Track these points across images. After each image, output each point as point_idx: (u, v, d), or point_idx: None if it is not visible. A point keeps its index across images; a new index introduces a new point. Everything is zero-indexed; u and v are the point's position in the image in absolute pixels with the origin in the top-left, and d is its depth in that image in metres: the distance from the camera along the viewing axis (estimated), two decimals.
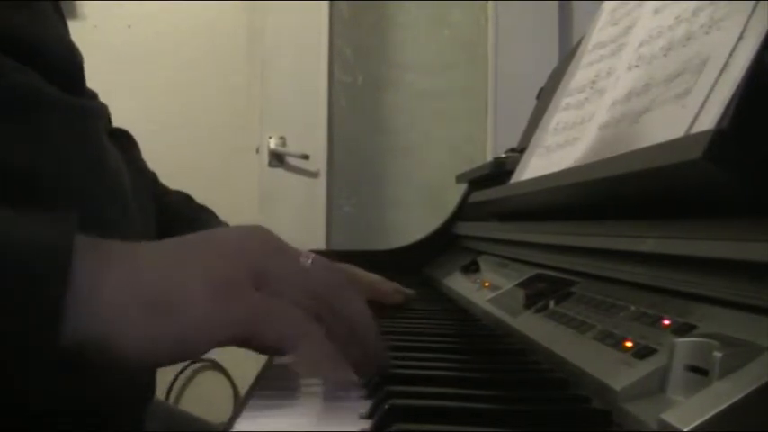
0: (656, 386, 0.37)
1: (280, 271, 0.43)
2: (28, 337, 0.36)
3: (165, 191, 0.91)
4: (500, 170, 1.02)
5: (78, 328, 0.37)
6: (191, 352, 0.41)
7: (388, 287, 0.85)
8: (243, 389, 2.15)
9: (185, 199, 0.93)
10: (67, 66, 0.61)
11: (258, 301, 0.42)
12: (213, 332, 0.41)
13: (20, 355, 0.36)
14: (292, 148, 2.09)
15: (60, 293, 0.37)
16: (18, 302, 0.36)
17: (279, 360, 0.57)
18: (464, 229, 1.18)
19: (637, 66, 0.66)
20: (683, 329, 0.40)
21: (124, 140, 0.82)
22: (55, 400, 0.39)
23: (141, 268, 0.41)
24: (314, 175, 2.11)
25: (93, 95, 0.74)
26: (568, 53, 1.06)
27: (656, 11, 0.68)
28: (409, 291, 0.87)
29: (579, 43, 0.90)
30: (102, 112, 0.65)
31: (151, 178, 0.89)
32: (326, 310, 0.45)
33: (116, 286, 0.39)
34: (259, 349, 0.43)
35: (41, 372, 0.37)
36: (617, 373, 0.40)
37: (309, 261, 0.45)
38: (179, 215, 0.88)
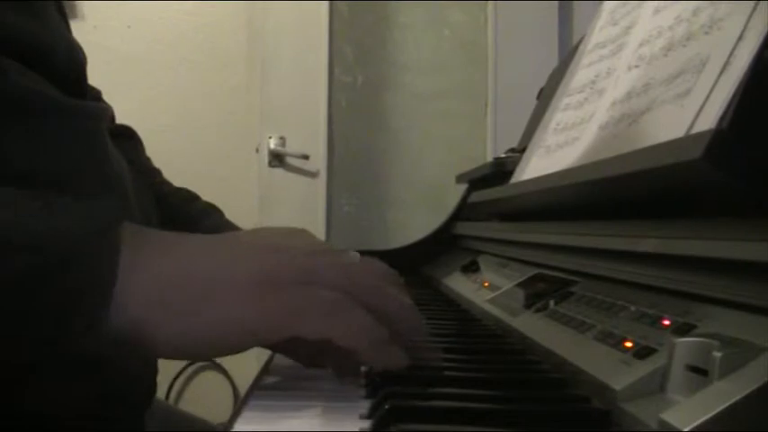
0: (656, 386, 0.37)
1: (325, 268, 0.43)
2: (78, 318, 0.37)
3: (171, 188, 0.91)
4: (500, 170, 1.02)
5: (120, 315, 0.38)
6: (228, 347, 0.42)
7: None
8: (243, 389, 2.15)
9: (191, 197, 0.93)
10: (70, 67, 0.61)
11: (297, 291, 0.41)
12: (253, 324, 0.41)
13: (69, 334, 0.37)
14: (292, 148, 2.09)
15: (108, 283, 0.38)
16: (69, 288, 0.37)
17: (279, 360, 0.57)
18: (464, 228, 1.18)
19: (637, 66, 0.66)
20: (682, 329, 0.40)
21: (127, 137, 0.82)
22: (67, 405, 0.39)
23: (184, 260, 0.41)
24: (314, 175, 2.11)
25: (97, 95, 0.75)
26: (568, 53, 1.06)
27: (656, 11, 0.68)
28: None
29: (579, 43, 0.90)
30: (105, 114, 0.65)
31: (155, 175, 0.89)
32: (373, 304, 0.44)
33: (158, 277, 0.40)
34: (309, 340, 0.42)
35: (89, 350, 0.38)
36: (617, 372, 0.40)
37: (355, 258, 0.45)
38: (185, 213, 0.88)
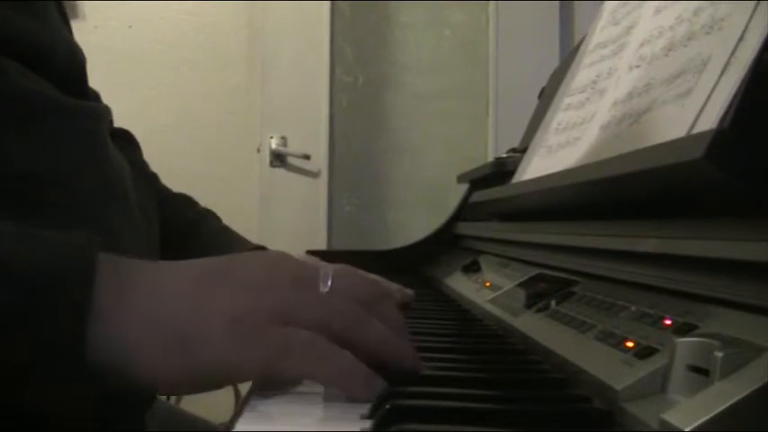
0: (657, 386, 0.37)
1: (301, 306, 0.43)
2: (52, 360, 0.37)
3: (168, 193, 0.91)
4: (501, 170, 1.02)
5: (98, 354, 0.38)
6: (208, 386, 0.42)
7: (393, 286, 0.85)
8: (243, 388, 2.14)
9: (188, 202, 0.93)
10: (70, 68, 0.61)
11: (275, 334, 0.42)
12: (230, 369, 0.41)
13: (44, 371, 0.37)
14: (293, 147, 2.09)
15: (83, 322, 0.37)
16: (39, 326, 0.37)
17: None
18: (465, 229, 1.18)
19: (638, 66, 0.66)
20: (684, 329, 0.40)
21: (125, 141, 0.82)
22: (66, 407, 0.39)
23: (162, 300, 0.41)
24: (315, 174, 2.11)
25: (96, 96, 0.75)
26: (569, 53, 1.06)
27: (657, 11, 0.68)
28: (409, 291, 0.87)
29: (580, 43, 0.90)
30: (105, 114, 0.65)
31: (152, 180, 0.89)
32: (346, 335, 0.44)
33: (136, 319, 0.40)
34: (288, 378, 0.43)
35: (65, 388, 0.38)
36: (618, 372, 0.40)
37: (327, 287, 0.45)
38: (182, 218, 0.88)
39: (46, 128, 0.54)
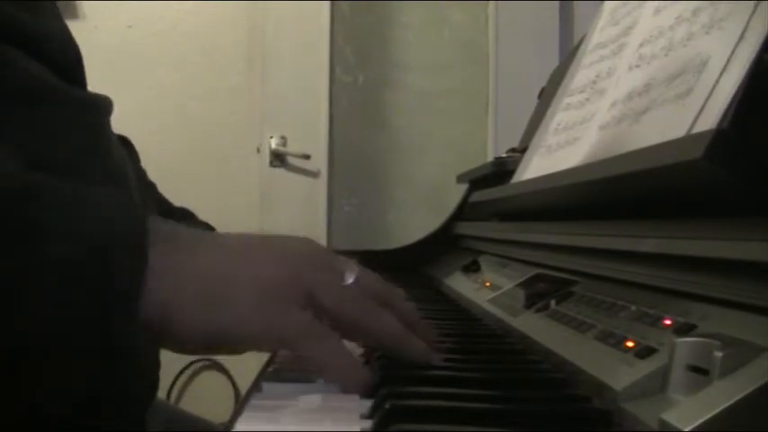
0: (657, 386, 0.37)
1: (324, 286, 0.47)
2: (112, 306, 0.40)
3: (168, 206, 0.91)
4: (501, 170, 1.02)
5: (146, 304, 0.41)
6: (231, 345, 0.46)
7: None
8: (243, 388, 2.15)
9: (187, 215, 0.93)
10: (67, 57, 0.61)
11: (299, 322, 0.45)
12: (252, 335, 0.45)
13: (102, 320, 0.40)
14: (293, 147, 2.09)
15: (140, 274, 0.40)
16: (103, 282, 0.40)
17: (280, 360, 0.57)
18: (465, 228, 1.18)
19: (637, 66, 0.66)
20: (683, 329, 0.40)
21: (123, 148, 0.82)
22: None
23: (204, 260, 0.44)
24: (315, 174, 2.11)
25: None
26: (569, 53, 1.06)
27: (657, 11, 0.68)
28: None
29: (580, 43, 0.90)
30: (107, 105, 0.65)
31: (150, 189, 0.89)
32: (365, 326, 0.48)
33: (180, 273, 0.43)
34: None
35: (120, 336, 0.40)
36: (617, 372, 0.40)
37: (352, 279, 0.48)
38: None
39: (49, 116, 0.54)
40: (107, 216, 0.42)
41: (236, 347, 0.46)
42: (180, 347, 0.46)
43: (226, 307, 0.44)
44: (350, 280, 0.48)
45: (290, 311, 0.45)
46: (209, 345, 0.45)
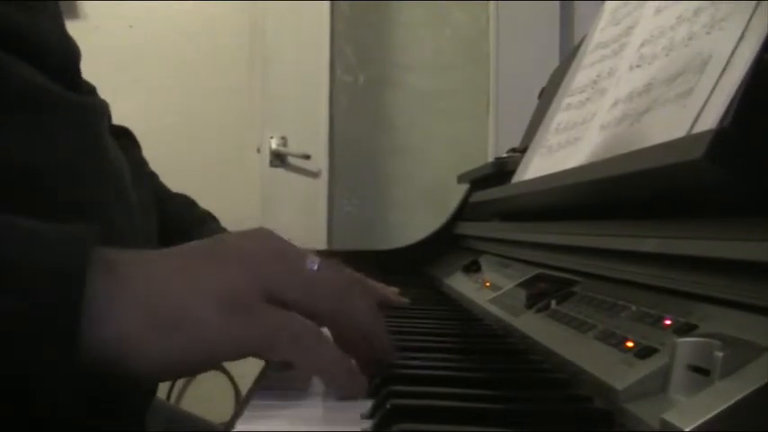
0: (658, 386, 0.37)
1: (283, 280, 0.44)
2: (46, 360, 0.37)
3: (168, 194, 0.91)
4: (501, 170, 1.02)
5: (93, 348, 0.38)
6: (202, 367, 0.42)
7: (389, 291, 0.85)
8: (244, 389, 2.14)
9: (188, 203, 0.93)
10: (66, 62, 0.61)
11: (266, 317, 0.42)
12: (223, 349, 0.42)
13: (39, 375, 0.37)
14: (293, 147, 2.09)
15: (75, 319, 0.37)
16: (35, 329, 0.37)
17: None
18: (465, 228, 1.18)
19: (638, 66, 0.66)
20: (684, 329, 0.40)
21: (125, 139, 0.82)
22: (65, 410, 0.39)
23: (151, 285, 0.41)
24: (315, 174, 2.11)
25: (92, 90, 0.74)
26: (570, 53, 1.06)
27: (658, 11, 0.68)
28: (394, 289, 0.87)
29: (581, 43, 0.90)
30: (103, 109, 0.65)
31: (151, 178, 0.89)
32: (334, 316, 0.46)
33: (128, 306, 0.40)
34: (270, 361, 0.44)
35: (61, 388, 0.38)
36: (618, 372, 0.40)
37: (315, 266, 0.45)
38: (181, 220, 0.88)
39: (45, 122, 0.54)
40: (38, 260, 0.38)
41: (212, 363, 0.43)
42: (149, 382, 0.44)
43: (182, 330, 0.40)
44: (311, 267, 0.45)
45: (254, 316, 0.42)
46: (177, 373, 0.43)
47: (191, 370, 0.43)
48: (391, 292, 0.85)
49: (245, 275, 0.43)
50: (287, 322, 0.43)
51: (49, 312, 0.37)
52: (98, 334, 0.39)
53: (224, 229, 0.92)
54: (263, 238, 0.47)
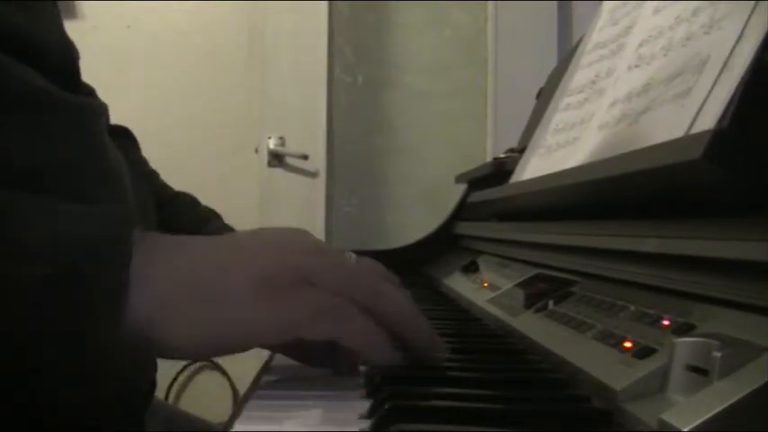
0: (656, 386, 0.37)
1: (324, 270, 0.44)
2: (93, 323, 0.39)
3: (170, 193, 0.91)
4: (500, 170, 1.02)
5: (132, 317, 0.40)
6: (233, 348, 0.43)
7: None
8: (242, 389, 2.14)
9: (191, 201, 0.93)
10: (65, 62, 0.61)
11: (303, 298, 0.43)
12: (258, 331, 0.43)
13: (84, 338, 0.39)
14: (292, 148, 2.09)
15: (122, 288, 0.39)
16: (83, 298, 0.39)
17: (279, 360, 0.57)
18: (464, 229, 1.18)
19: (637, 66, 0.66)
20: (682, 329, 0.40)
21: (124, 138, 0.82)
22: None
23: (190, 262, 0.43)
24: (313, 175, 2.11)
25: (91, 91, 0.74)
26: (568, 53, 1.06)
27: (656, 11, 0.68)
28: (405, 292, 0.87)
29: (579, 43, 0.90)
30: (102, 110, 0.65)
31: (151, 177, 0.89)
32: (373, 307, 0.45)
33: (166, 279, 0.41)
34: (311, 341, 0.44)
35: (104, 353, 0.40)
36: (617, 372, 0.40)
37: (352, 257, 0.47)
38: (184, 218, 0.88)
39: (44, 123, 0.54)
40: (86, 231, 0.41)
41: (244, 343, 0.44)
42: (182, 357, 0.45)
43: (220, 309, 0.42)
44: (349, 263, 0.46)
45: (294, 295, 0.42)
46: (212, 352, 0.44)
47: (221, 349, 0.43)
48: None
49: (288, 260, 0.44)
50: (319, 297, 0.43)
51: (97, 283, 0.39)
52: (137, 304, 0.40)
53: (229, 227, 0.92)
54: (304, 234, 0.48)
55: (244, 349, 0.44)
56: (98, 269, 0.39)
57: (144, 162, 0.88)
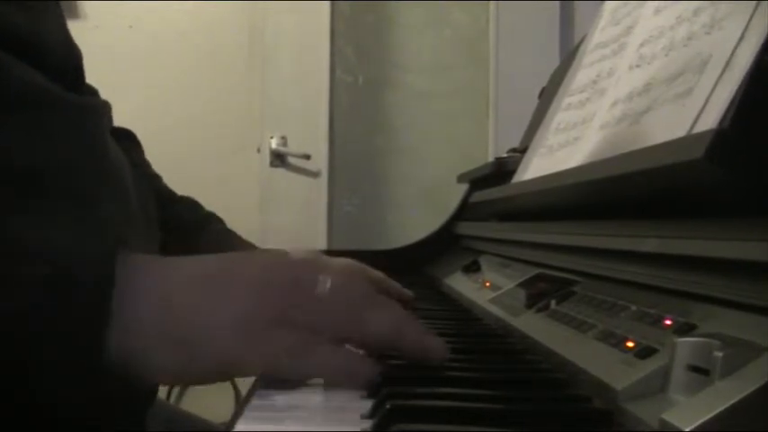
0: (658, 386, 0.37)
1: (303, 310, 0.45)
2: (73, 365, 0.40)
3: (172, 196, 0.91)
4: (501, 170, 1.02)
5: (113, 355, 0.41)
6: (212, 379, 0.45)
7: (395, 285, 0.85)
8: (244, 389, 2.14)
9: (193, 205, 0.93)
10: (67, 62, 0.61)
11: (278, 340, 0.44)
12: (233, 369, 0.45)
13: (64, 376, 0.40)
14: (293, 147, 2.09)
15: (103, 326, 0.40)
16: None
17: None
18: (465, 228, 1.18)
19: (638, 66, 0.66)
20: (684, 329, 0.40)
21: (127, 141, 0.82)
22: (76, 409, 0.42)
23: (168, 303, 0.44)
24: (315, 174, 2.11)
25: (94, 92, 0.75)
26: (570, 53, 1.06)
27: (658, 11, 0.68)
28: (408, 292, 0.86)
29: (580, 43, 0.90)
30: (104, 110, 0.65)
31: (155, 180, 0.89)
32: (353, 337, 0.47)
33: (148, 320, 0.42)
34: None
35: (80, 386, 0.41)
36: (618, 372, 0.40)
37: (327, 286, 0.46)
38: (185, 221, 0.88)
39: (45, 122, 0.54)
40: (78, 242, 0.42)
41: (220, 378, 0.46)
42: (162, 382, 0.47)
43: (196, 346, 0.43)
44: (323, 290, 0.46)
45: (269, 336, 0.44)
46: (187, 382, 0.46)
47: (201, 381, 0.46)
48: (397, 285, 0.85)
49: (258, 301, 0.45)
50: (300, 341, 0.45)
51: (81, 317, 0.40)
52: (118, 342, 0.41)
53: (229, 231, 0.92)
54: (276, 265, 0.48)
55: (221, 380, 0.46)
56: (89, 278, 0.40)
57: (147, 165, 0.88)
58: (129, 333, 0.41)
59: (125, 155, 0.67)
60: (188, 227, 0.87)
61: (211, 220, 0.93)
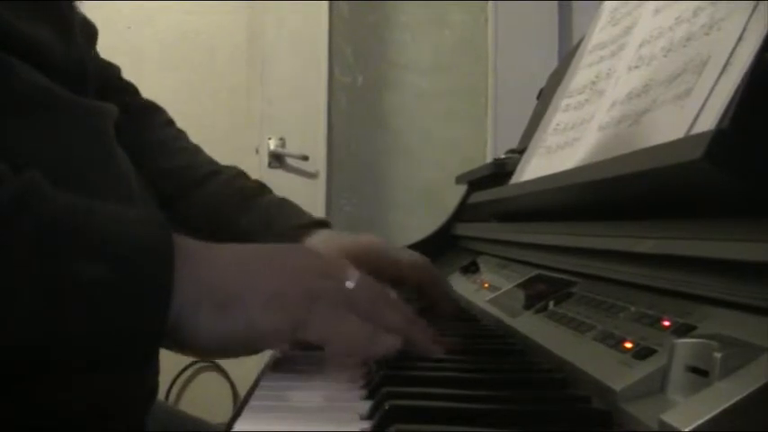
0: (656, 387, 0.37)
1: (327, 293, 0.51)
2: (139, 326, 0.44)
3: (216, 167, 0.92)
4: (500, 171, 1.02)
5: (171, 314, 0.45)
6: (239, 350, 0.50)
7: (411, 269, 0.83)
8: (242, 389, 2.14)
9: (240, 173, 0.99)
10: (73, 65, 0.61)
11: (305, 309, 0.49)
12: (261, 336, 0.49)
13: (129, 337, 0.44)
14: (292, 148, 2.09)
15: (167, 293, 0.45)
16: (129, 298, 0.44)
17: (279, 360, 0.57)
18: (464, 229, 1.18)
19: (637, 66, 0.66)
20: (682, 330, 0.40)
21: (157, 114, 0.84)
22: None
23: (214, 273, 0.49)
24: (313, 175, 2.11)
25: (135, 91, 0.78)
26: (568, 53, 1.06)
27: (657, 11, 0.68)
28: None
29: (579, 44, 0.90)
30: (111, 113, 0.65)
31: (197, 154, 0.94)
32: (370, 318, 0.51)
33: (192, 285, 0.47)
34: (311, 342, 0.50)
35: (145, 352, 0.45)
36: (617, 373, 0.40)
37: (353, 282, 0.52)
38: (227, 199, 0.90)
39: (53, 125, 0.54)
40: (135, 234, 0.46)
41: (248, 347, 0.50)
42: (192, 352, 0.50)
43: (230, 312, 0.48)
44: (350, 284, 0.52)
45: (295, 306, 0.49)
46: (224, 345, 0.49)
47: (227, 350, 0.50)
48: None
49: (291, 282, 0.50)
50: (317, 308, 0.49)
51: (146, 284, 0.44)
52: (171, 308, 0.45)
53: (277, 199, 0.93)
54: (309, 255, 0.56)
55: (252, 351, 0.50)
56: (150, 269, 0.45)
57: (183, 134, 0.92)
58: (174, 297, 0.45)
59: (165, 129, 0.69)
60: (229, 204, 0.92)
61: (258, 192, 0.95)
